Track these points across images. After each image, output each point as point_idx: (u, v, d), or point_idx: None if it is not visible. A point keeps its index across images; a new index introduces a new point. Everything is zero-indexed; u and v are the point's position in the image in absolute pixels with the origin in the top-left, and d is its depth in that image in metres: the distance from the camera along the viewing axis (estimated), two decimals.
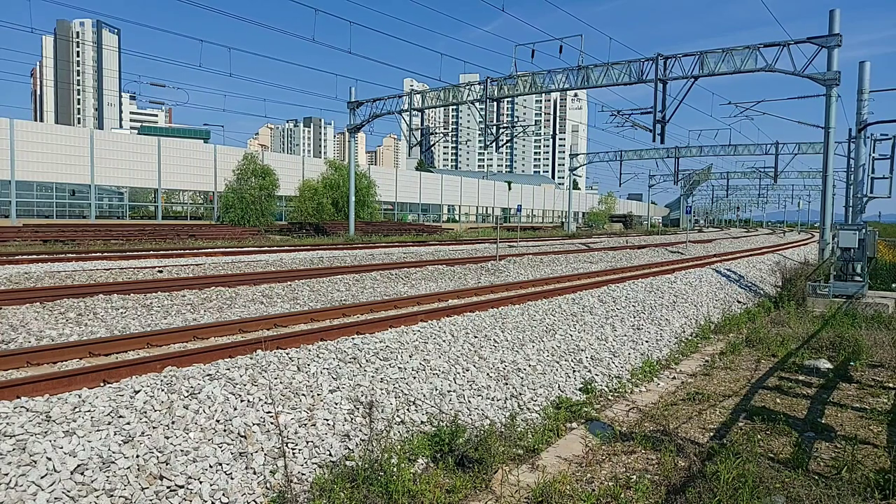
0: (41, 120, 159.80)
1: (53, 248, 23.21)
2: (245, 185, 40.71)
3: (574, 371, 9.16)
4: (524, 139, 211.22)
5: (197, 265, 17.13)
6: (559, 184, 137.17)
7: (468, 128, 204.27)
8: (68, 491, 4.16)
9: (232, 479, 4.79)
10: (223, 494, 4.63)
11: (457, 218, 68.86)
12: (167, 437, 4.89)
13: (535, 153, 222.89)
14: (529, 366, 8.73)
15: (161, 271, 15.32)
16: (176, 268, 16.15)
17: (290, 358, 6.78)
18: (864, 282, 15.33)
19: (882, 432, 6.94)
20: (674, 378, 9.79)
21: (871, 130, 16.79)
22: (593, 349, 10.20)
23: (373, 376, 6.87)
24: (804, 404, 8.05)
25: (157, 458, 4.67)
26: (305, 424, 5.65)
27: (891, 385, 8.97)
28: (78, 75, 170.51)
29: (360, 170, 48.10)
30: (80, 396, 5.12)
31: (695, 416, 7.63)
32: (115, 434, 4.72)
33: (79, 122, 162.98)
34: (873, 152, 16.04)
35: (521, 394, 7.90)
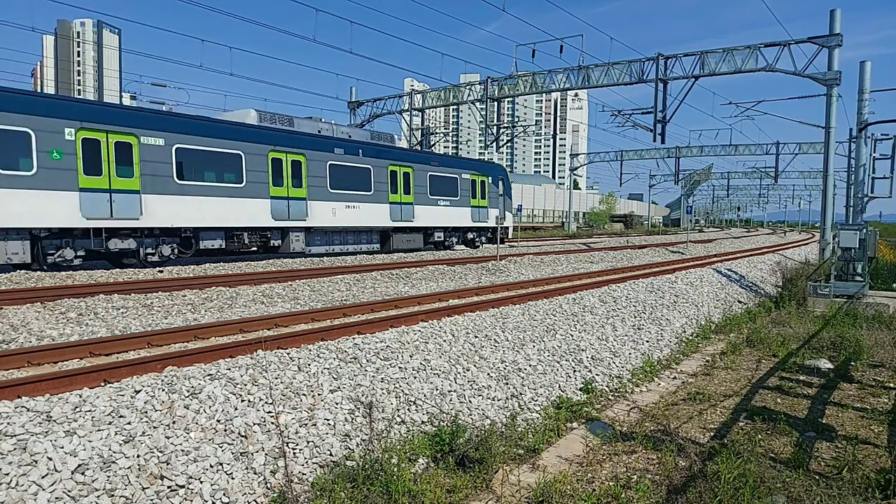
0: None
1: None
2: None
3: (575, 371, 9.15)
4: (524, 139, 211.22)
5: (197, 265, 17.14)
6: (560, 184, 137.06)
7: (468, 128, 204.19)
8: (69, 491, 4.17)
9: (233, 478, 4.79)
10: (224, 494, 4.63)
11: None
12: (168, 437, 4.89)
13: (536, 153, 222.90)
14: (530, 366, 8.72)
15: (161, 271, 15.34)
16: (176, 268, 16.17)
17: (290, 358, 6.78)
18: (864, 282, 15.32)
19: (883, 432, 6.93)
20: (674, 378, 9.79)
21: (871, 130, 16.77)
22: (594, 349, 10.19)
23: (373, 376, 6.88)
24: (805, 404, 8.05)
25: (158, 457, 4.67)
26: (306, 424, 5.65)
27: (891, 385, 8.97)
28: (79, 75, 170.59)
29: None
30: (80, 396, 5.13)
31: (695, 415, 7.63)
32: (116, 434, 4.73)
33: None
34: (874, 152, 16.03)
35: (521, 394, 7.90)
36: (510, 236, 30.60)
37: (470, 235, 28.67)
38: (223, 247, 18.46)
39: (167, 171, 16.58)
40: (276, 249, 20.12)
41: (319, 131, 21.92)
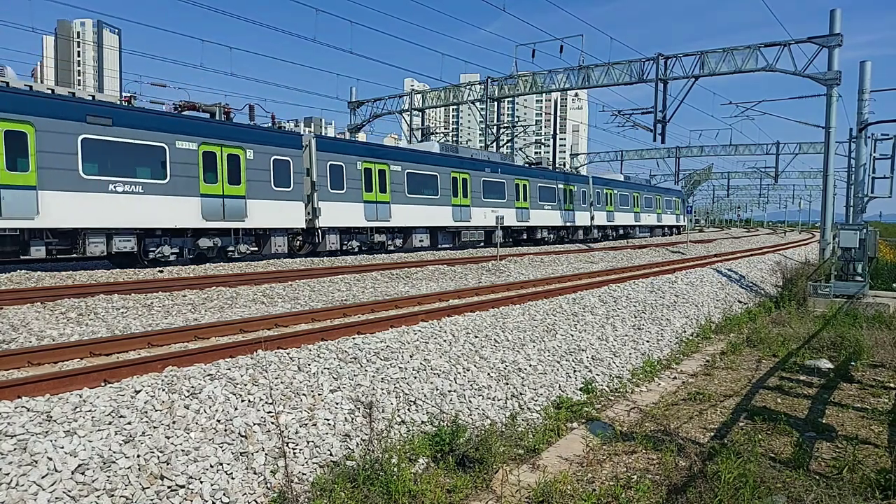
0: None
1: None
2: None
3: (575, 371, 9.15)
4: (524, 139, 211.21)
5: (197, 265, 17.13)
6: None
7: (469, 128, 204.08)
8: (69, 491, 4.17)
9: (233, 478, 4.79)
10: (224, 494, 4.63)
11: None
12: (168, 437, 4.89)
13: (536, 153, 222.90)
14: (530, 366, 8.72)
15: (161, 271, 15.33)
16: (177, 268, 16.16)
17: (290, 358, 6.78)
18: (864, 282, 15.31)
19: (883, 432, 6.93)
20: (675, 378, 9.79)
21: (871, 130, 16.78)
22: (594, 349, 10.19)
23: (373, 376, 6.87)
24: (805, 404, 8.05)
25: (158, 457, 4.67)
26: (306, 424, 5.65)
27: (892, 385, 8.97)
28: (79, 75, 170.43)
29: None
30: (80, 396, 5.13)
31: (696, 415, 7.63)
32: (116, 434, 4.73)
33: None
34: (874, 152, 16.03)
35: (521, 394, 7.90)
36: (686, 232, 53.07)
37: (674, 229, 55.50)
38: (547, 238, 34.08)
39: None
40: (565, 238, 37.05)
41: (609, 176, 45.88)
